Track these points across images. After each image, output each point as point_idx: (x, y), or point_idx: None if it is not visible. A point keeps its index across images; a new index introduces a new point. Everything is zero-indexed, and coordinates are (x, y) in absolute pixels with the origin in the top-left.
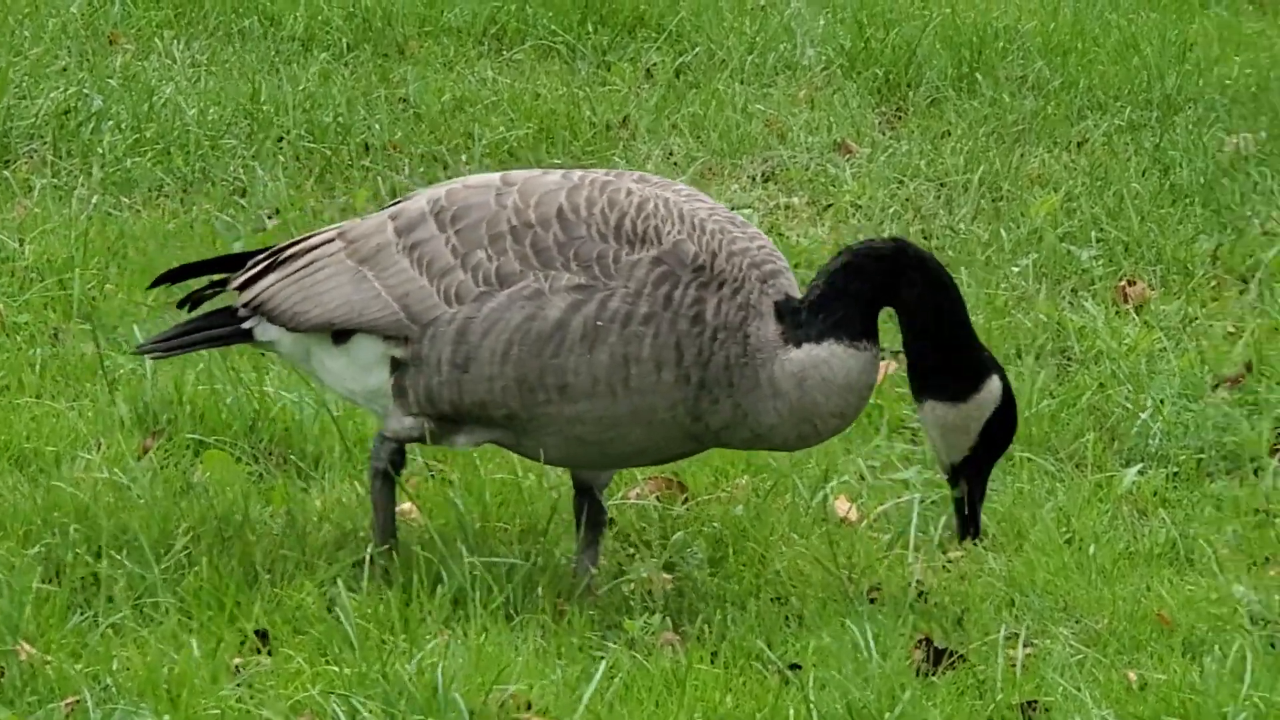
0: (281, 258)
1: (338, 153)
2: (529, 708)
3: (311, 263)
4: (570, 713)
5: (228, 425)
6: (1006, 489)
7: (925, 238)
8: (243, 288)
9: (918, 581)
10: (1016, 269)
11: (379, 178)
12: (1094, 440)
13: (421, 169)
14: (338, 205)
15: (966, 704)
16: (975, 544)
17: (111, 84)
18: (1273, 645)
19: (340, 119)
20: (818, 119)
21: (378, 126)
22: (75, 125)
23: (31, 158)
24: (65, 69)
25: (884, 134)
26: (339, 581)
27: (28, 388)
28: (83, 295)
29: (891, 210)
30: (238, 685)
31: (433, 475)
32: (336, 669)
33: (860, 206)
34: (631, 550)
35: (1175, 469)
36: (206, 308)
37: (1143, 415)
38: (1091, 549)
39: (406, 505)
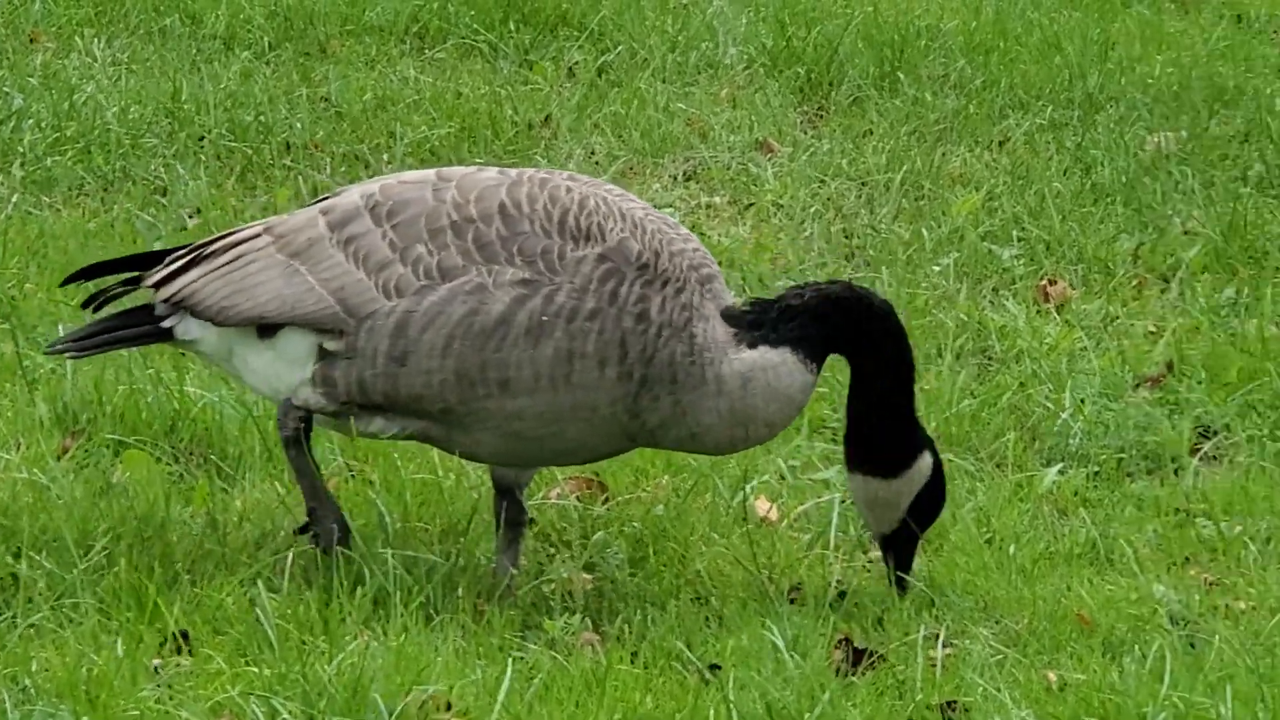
0: (205, 253)
1: (259, 152)
2: (449, 708)
3: (239, 257)
4: (490, 713)
5: (148, 425)
6: None
7: (846, 237)
8: (162, 284)
9: (838, 581)
10: (938, 268)
11: (300, 177)
12: (1014, 440)
13: (343, 168)
14: (259, 204)
15: (886, 704)
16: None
17: (32, 82)
18: (1192, 645)
19: (262, 118)
20: (739, 118)
21: (299, 125)
22: None
23: None
24: None
25: (806, 133)
26: (259, 582)
27: None
28: (2, 294)
29: (813, 210)
30: (157, 686)
31: (353, 475)
32: (256, 670)
33: (782, 206)
34: (552, 550)
35: (1096, 469)
36: (114, 307)
37: (1063, 415)
38: (1012, 549)
39: None
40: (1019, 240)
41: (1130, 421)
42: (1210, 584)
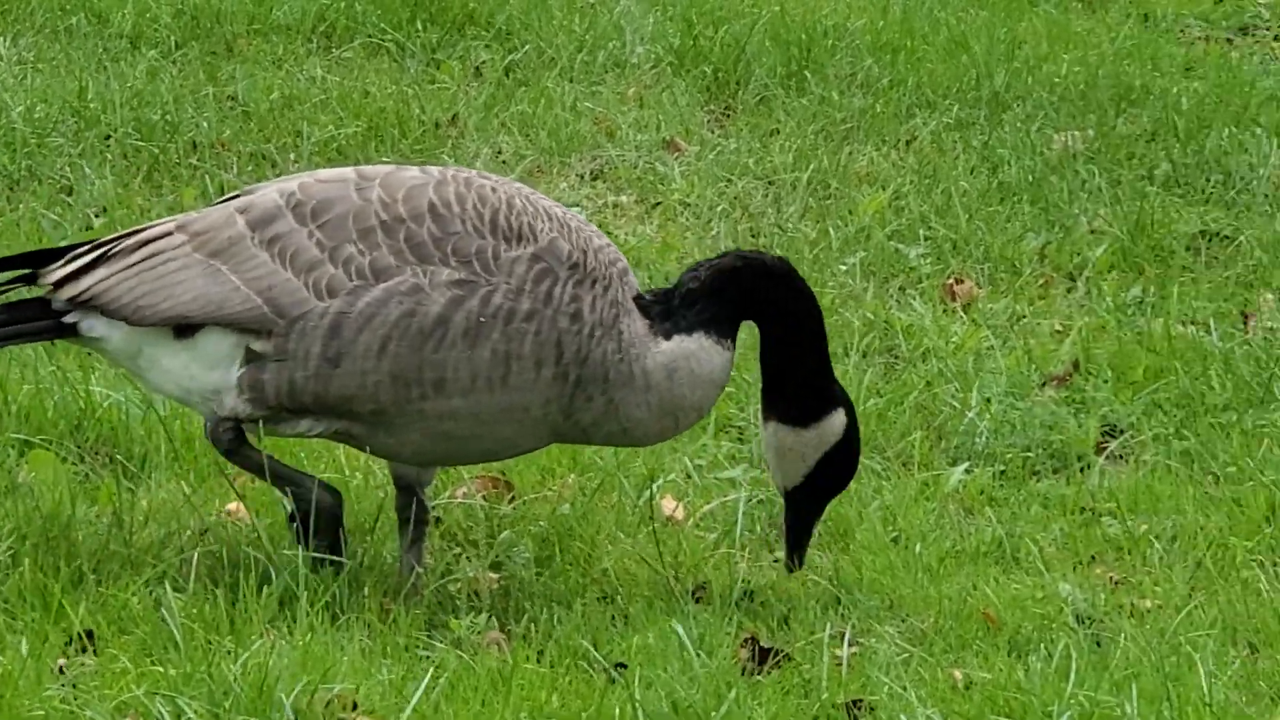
0: (112, 251)
1: (165, 151)
2: (355, 708)
3: (152, 255)
4: (396, 712)
5: (53, 424)
6: None
7: (754, 236)
8: (65, 282)
9: (743, 580)
10: (844, 267)
11: (207, 176)
12: (921, 439)
13: (250, 167)
14: (166, 203)
15: (792, 703)
16: (794, 570)
17: None
18: (1098, 644)
19: (168, 117)
20: (646, 117)
21: (206, 124)
22: None
23: None
24: None
25: (713, 132)
26: (165, 581)
27: None
28: None
29: (720, 208)
30: (62, 686)
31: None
32: (162, 669)
33: (689, 205)
34: (458, 549)
35: (1002, 467)
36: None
37: (970, 414)
38: (918, 548)
39: (234, 505)
40: (925, 239)
41: (1036, 420)
42: (1115, 582)
